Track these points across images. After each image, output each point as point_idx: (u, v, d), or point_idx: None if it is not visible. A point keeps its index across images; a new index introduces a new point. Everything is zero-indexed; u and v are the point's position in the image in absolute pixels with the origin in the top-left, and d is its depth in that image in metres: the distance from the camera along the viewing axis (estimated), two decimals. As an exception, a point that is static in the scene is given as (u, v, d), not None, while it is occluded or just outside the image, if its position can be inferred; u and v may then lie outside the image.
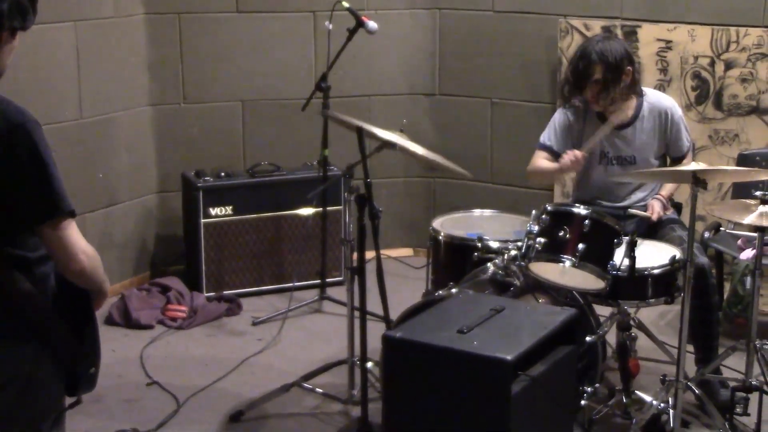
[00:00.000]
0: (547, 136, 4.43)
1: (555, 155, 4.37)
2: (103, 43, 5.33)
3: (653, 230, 4.25)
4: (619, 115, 4.29)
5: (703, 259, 4.02)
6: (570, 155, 4.20)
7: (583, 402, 3.77)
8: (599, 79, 4.19)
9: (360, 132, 3.58)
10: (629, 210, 4.29)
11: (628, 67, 4.24)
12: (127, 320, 5.10)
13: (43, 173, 2.34)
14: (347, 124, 3.91)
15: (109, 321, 5.08)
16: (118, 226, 5.54)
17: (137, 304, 5.15)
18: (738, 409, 3.85)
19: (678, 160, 4.37)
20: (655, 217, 4.25)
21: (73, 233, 2.40)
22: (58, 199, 2.37)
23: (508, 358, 2.85)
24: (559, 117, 4.43)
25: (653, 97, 4.39)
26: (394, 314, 3.76)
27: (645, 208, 4.33)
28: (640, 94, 4.34)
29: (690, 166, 3.63)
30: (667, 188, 4.40)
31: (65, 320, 2.48)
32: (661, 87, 5.23)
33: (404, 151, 3.97)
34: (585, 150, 4.21)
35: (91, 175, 5.33)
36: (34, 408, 2.48)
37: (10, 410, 2.44)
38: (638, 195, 4.40)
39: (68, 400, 2.62)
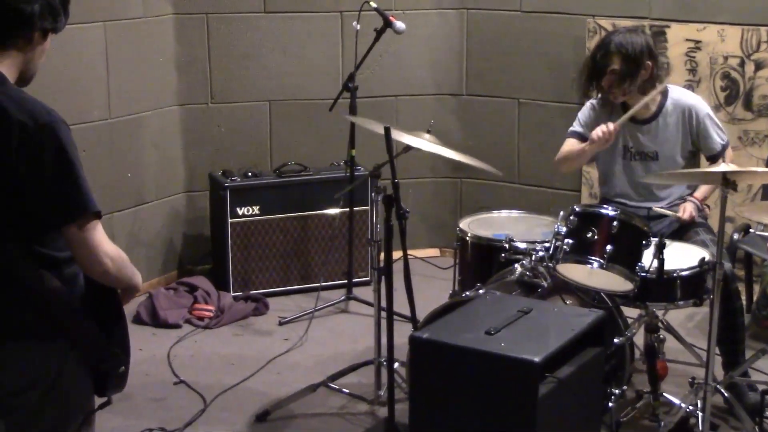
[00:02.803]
0: (577, 124, 4.46)
1: (584, 140, 4.36)
2: (131, 43, 5.35)
3: (679, 233, 4.22)
4: (642, 110, 4.27)
5: (727, 265, 3.98)
6: (602, 126, 4.18)
7: (610, 404, 3.74)
8: (616, 70, 4.19)
9: (387, 132, 3.57)
10: (657, 210, 4.25)
11: (648, 62, 4.22)
12: (154, 319, 5.12)
13: (69, 174, 2.35)
14: (372, 129, 3.92)
15: (137, 320, 5.10)
16: (145, 225, 5.56)
17: (165, 304, 5.17)
18: None
19: (713, 158, 4.31)
20: (686, 216, 4.21)
21: (98, 234, 2.41)
22: (84, 199, 2.38)
23: (536, 359, 2.84)
24: (586, 107, 4.46)
25: (678, 93, 4.36)
26: (421, 315, 3.75)
27: (673, 208, 4.30)
28: (662, 90, 4.31)
29: (719, 167, 3.61)
30: (702, 190, 4.35)
31: (94, 319, 2.48)
32: (690, 87, 5.19)
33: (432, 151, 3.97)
34: (617, 124, 4.19)
35: (119, 175, 5.36)
36: (62, 407, 2.49)
37: (38, 409, 2.45)
38: (666, 194, 4.37)
39: (98, 401, 2.63)
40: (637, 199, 4.38)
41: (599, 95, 4.38)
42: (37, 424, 2.47)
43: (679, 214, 4.23)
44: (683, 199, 4.33)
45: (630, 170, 4.36)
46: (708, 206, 4.46)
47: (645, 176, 4.26)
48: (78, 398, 2.54)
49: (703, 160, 4.44)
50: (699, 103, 4.35)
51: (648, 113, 4.31)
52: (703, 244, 4.04)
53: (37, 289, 2.40)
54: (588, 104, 4.46)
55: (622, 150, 4.35)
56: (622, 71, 4.19)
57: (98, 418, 2.68)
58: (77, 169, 2.36)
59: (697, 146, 4.34)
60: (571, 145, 4.42)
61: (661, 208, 4.29)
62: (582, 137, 4.40)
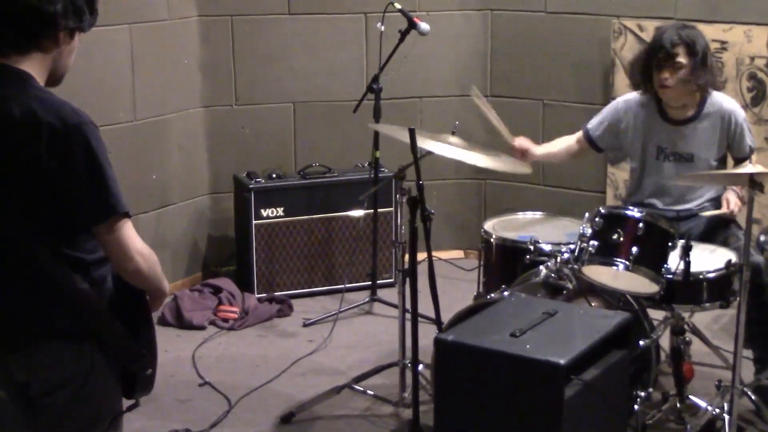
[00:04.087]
0: (591, 121, 4.50)
1: (587, 136, 4.47)
2: (156, 45, 5.37)
3: (713, 231, 4.19)
4: (680, 110, 4.25)
5: (758, 258, 3.96)
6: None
7: (636, 407, 3.72)
8: (680, 63, 4.14)
9: (412, 134, 3.57)
10: (706, 214, 4.22)
11: (709, 63, 4.22)
12: (179, 321, 5.13)
13: (98, 175, 2.36)
14: (395, 136, 3.92)
15: (162, 321, 5.11)
16: (170, 227, 5.58)
17: (189, 305, 5.19)
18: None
19: (741, 160, 4.29)
20: (732, 207, 4.15)
21: (129, 234, 2.42)
22: (114, 200, 2.38)
23: (562, 362, 2.83)
24: (613, 103, 4.46)
25: (717, 97, 4.32)
26: (446, 317, 3.75)
27: (704, 209, 4.27)
28: (708, 92, 4.29)
29: (747, 168, 3.59)
30: None
31: (122, 322, 2.49)
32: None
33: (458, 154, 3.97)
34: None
35: (144, 177, 5.38)
36: (91, 408, 2.50)
37: (66, 410, 2.46)
38: (698, 200, 4.34)
39: (126, 403, 2.64)
40: (666, 200, 4.35)
41: (644, 94, 4.33)
42: (66, 425, 2.48)
43: (723, 209, 4.19)
44: (719, 196, 4.29)
45: (662, 171, 4.32)
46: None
47: (675, 178, 4.23)
48: (107, 399, 2.55)
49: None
50: (737, 108, 4.32)
51: (686, 114, 4.28)
52: (736, 240, 4.01)
53: (66, 291, 2.41)
54: (617, 102, 4.46)
55: (656, 150, 4.32)
56: (686, 65, 4.14)
57: (124, 419, 2.69)
58: (106, 170, 2.37)
59: (729, 149, 4.31)
60: (566, 138, 4.54)
61: (692, 214, 4.26)
62: (587, 135, 4.47)
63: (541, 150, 4.53)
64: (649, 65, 4.22)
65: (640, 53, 4.40)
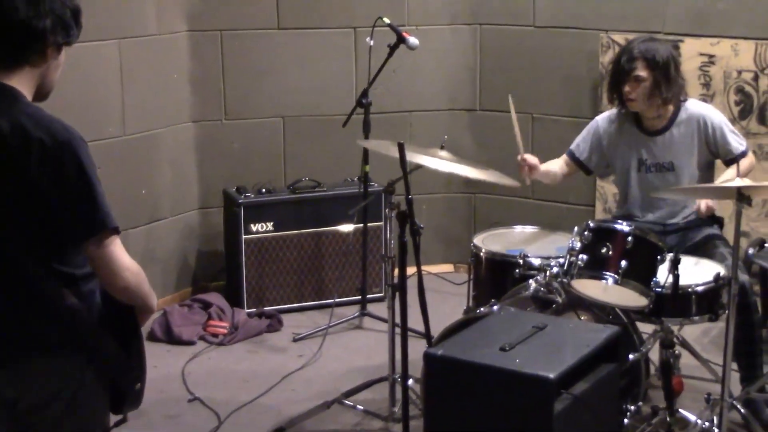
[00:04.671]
0: (574, 142, 4.52)
1: (573, 158, 4.51)
2: (146, 60, 5.38)
3: (696, 246, 4.21)
4: (654, 121, 4.28)
5: (744, 277, 3.97)
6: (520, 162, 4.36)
7: (626, 420, 3.73)
8: (640, 77, 4.17)
9: (401, 148, 3.57)
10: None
11: (673, 72, 4.22)
12: (168, 336, 5.12)
13: (88, 190, 2.36)
14: (385, 152, 3.92)
15: (151, 337, 5.10)
16: (160, 242, 5.57)
17: (179, 320, 5.18)
18: (784, 429, 3.81)
19: (731, 161, 4.27)
20: (703, 208, 4.18)
21: (118, 250, 2.42)
22: (103, 215, 2.38)
23: (551, 376, 2.83)
24: (592, 123, 4.49)
25: (691, 104, 4.34)
26: (435, 331, 3.74)
27: (690, 223, 4.29)
28: (681, 102, 4.31)
29: (734, 182, 3.60)
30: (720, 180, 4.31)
31: (111, 336, 2.49)
32: (704, 101, 5.18)
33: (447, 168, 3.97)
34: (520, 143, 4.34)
35: (134, 192, 5.37)
36: (79, 424, 2.49)
37: (55, 426, 2.45)
38: (684, 211, 4.35)
39: (114, 419, 2.63)
40: (655, 214, 4.36)
41: (620, 108, 4.35)
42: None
43: (695, 208, 4.21)
44: None
45: (646, 183, 4.34)
46: (717, 219, 4.43)
47: (661, 189, 4.25)
48: (95, 415, 2.54)
49: (717, 172, 4.42)
50: (711, 111, 4.34)
51: (660, 124, 4.30)
52: (722, 257, 4.02)
53: (56, 305, 2.41)
54: (596, 120, 4.47)
55: (637, 163, 4.35)
56: (647, 78, 4.18)
57: (113, 435, 2.69)
58: (96, 186, 2.38)
59: (715, 154, 4.31)
60: (556, 163, 4.57)
61: (679, 227, 4.28)
62: (573, 157, 4.51)
63: (543, 167, 4.53)
64: (617, 81, 4.25)
65: (609, 69, 4.43)
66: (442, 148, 3.98)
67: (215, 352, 5.05)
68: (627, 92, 4.21)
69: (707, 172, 4.37)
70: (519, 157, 4.35)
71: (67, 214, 2.36)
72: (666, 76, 4.19)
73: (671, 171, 4.30)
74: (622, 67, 4.22)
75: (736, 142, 4.29)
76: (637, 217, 4.36)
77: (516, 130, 4.32)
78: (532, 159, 4.39)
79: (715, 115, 4.31)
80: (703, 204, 4.20)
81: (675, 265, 3.64)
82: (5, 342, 2.42)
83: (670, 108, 4.29)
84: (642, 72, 4.17)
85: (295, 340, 5.16)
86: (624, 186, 4.44)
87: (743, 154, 4.27)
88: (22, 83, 2.41)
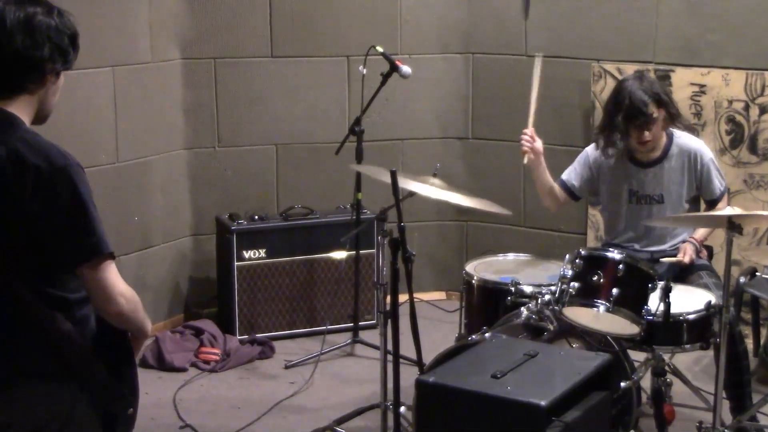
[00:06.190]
0: (565, 172, 4.55)
1: (564, 187, 4.53)
2: (139, 87, 5.39)
3: (682, 276, 4.22)
4: (648, 153, 4.30)
5: (731, 310, 3.98)
6: (523, 135, 4.40)
7: (617, 448, 3.73)
8: (656, 118, 4.18)
9: (394, 176, 3.59)
10: (661, 260, 4.26)
11: (673, 102, 4.29)
12: (160, 363, 5.11)
13: (83, 215, 2.38)
14: (378, 177, 3.94)
15: (143, 363, 5.09)
16: (152, 268, 5.57)
17: (171, 347, 5.17)
18: (776, 458, 3.81)
19: (712, 203, 4.35)
20: (686, 260, 4.23)
21: (112, 275, 2.42)
22: (98, 241, 2.40)
23: (542, 403, 2.83)
24: (582, 153, 4.52)
25: (682, 138, 4.38)
26: (427, 358, 3.75)
27: (677, 252, 4.31)
28: (670, 133, 4.34)
29: (725, 211, 3.62)
30: (700, 232, 4.37)
31: (104, 361, 2.49)
32: (695, 131, 5.20)
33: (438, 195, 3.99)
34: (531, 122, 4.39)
35: (126, 218, 5.38)
36: (71, 450, 2.49)
37: (47, 451, 2.45)
38: (673, 240, 4.38)
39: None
40: (643, 242, 4.38)
41: (609, 147, 4.33)
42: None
43: (679, 257, 4.24)
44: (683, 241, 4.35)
45: (635, 214, 4.37)
46: (707, 248, 4.45)
47: (649, 220, 4.27)
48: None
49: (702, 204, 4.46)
50: (703, 147, 4.38)
51: (653, 156, 4.33)
52: (706, 288, 4.04)
53: (49, 330, 2.41)
54: (587, 150, 4.48)
55: (627, 194, 4.37)
56: (658, 116, 4.19)
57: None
58: (91, 212, 2.39)
59: (698, 190, 4.36)
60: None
61: (666, 255, 4.30)
62: (565, 186, 4.53)
63: (544, 166, 4.54)
64: (627, 128, 4.21)
65: (610, 119, 4.28)
66: (434, 175, 4.00)
67: (207, 379, 5.03)
68: (645, 137, 4.20)
69: (694, 205, 4.40)
70: (525, 131, 4.35)
71: (62, 239, 2.37)
72: (671, 110, 4.23)
73: (661, 203, 4.33)
74: (641, 115, 4.15)
75: (719, 181, 4.36)
76: (626, 245, 4.37)
77: (533, 97, 4.31)
78: (538, 141, 4.39)
79: (706, 151, 4.36)
80: (687, 257, 4.23)
81: (666, 293, 3.65)
82: (-3, 366, 2.42)
83: (664, 138, 4.32)
84: (655, 112, 4.19)
85: (286, 367, 5.15)
86: (613, 215, 4.46)
87: (722, 195, 4.36)
88: (21, 109, 2.43)
